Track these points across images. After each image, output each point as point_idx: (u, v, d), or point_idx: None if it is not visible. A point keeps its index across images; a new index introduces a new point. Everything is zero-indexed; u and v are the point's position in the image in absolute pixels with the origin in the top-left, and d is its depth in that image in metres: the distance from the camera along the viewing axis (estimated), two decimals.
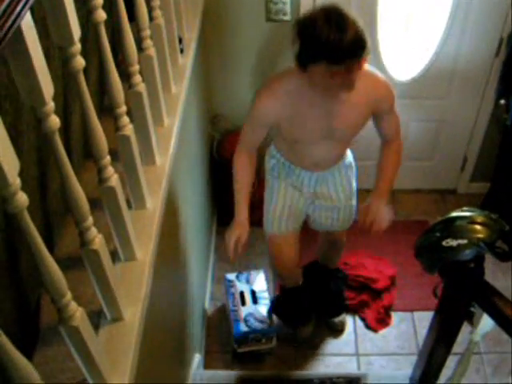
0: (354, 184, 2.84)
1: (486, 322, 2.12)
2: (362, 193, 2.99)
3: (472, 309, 2.26)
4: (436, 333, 2.52)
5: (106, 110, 1.79)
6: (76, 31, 1.24)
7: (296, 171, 2.68)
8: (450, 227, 2.10)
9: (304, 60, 2.03)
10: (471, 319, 2.29)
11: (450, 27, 3.47)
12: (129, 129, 1.68)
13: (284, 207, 2.82)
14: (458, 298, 2.25)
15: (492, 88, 3.72)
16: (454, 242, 2.05)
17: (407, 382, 2.95)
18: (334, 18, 1.91)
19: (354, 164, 2.80)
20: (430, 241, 2.17)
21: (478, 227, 2.05)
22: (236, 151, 2.60)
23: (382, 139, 2.62)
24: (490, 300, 2.03)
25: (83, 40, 2.00)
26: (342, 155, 2.66)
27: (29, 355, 1.57)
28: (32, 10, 1.05)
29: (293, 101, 2.28)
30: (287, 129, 2.39)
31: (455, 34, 3.49)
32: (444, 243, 2.08)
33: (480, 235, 2.04)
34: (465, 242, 2.04)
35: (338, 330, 3.49)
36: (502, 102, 3.65)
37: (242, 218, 2.66)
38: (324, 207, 2.84)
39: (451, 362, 2.64)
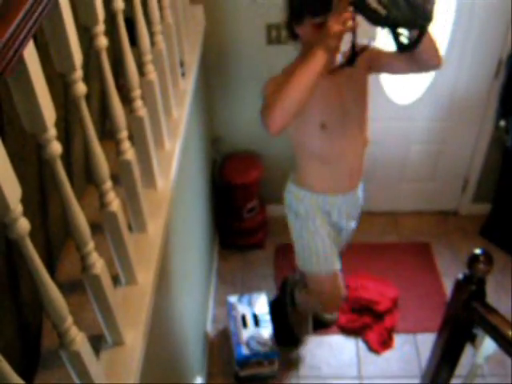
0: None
1: (488, 345, 2.11)
2: None
3: (474, 331, 2.26)
4: (439, 354, 2.51)
5: (108, 133, 1.81)
6: (78, 58, 1.26)
7: (329, 202, 2.66)
8: None
9: (293, 21, 2.15)
10: (474, 341, 2.28)
11: (449, 49, 3.50)
12: (130, 154, 1.69)
13: (329, 238, 2.76)
14: (460, 319, 2.25)
15: (492, 109, 3.73)
16: None
17: None
18: None
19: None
20: None
21: None
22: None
23: (397, 65, 2.34)
24: (491, 322, 2.02)
25: (85, 64, 2.03)
26: (366, 143, 2.58)
27: (29, 379, 1.57)
28: (35, 36, 1.06)
29: None
30: (311, 108, 2.27)
31: (455, 56, 3.51)
32: None
33: None
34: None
35: (327, 326, 3.49)
36: (502, 123, 3.67)
37: None
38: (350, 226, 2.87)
39: None
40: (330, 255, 2.80)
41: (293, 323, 3.48)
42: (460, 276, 2.17)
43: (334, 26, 1.86)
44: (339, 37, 1.90)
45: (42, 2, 1.04)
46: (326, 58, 1.92)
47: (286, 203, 2.78)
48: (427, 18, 1.82)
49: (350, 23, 1.86)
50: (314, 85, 1.96)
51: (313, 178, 2.62)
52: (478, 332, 2.19)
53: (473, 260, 2.08)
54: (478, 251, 2.07)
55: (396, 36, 1.91)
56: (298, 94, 1.95)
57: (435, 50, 2.15)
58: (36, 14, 1.02)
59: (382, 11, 1.77)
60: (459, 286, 2.19)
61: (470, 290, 2.14)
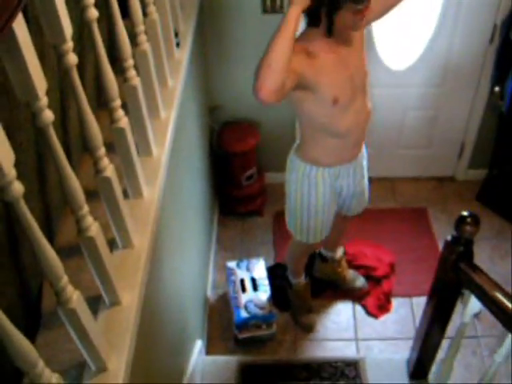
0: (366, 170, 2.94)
1: (474, 303, 2.18)
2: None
3: (463, 290, 2.32)
4: (430, 315, 2.58)
5: (104, 104, 1.86)
6: (68, 29, 1.30)
7: (336, 173, 2.72)
8: None
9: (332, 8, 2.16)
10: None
11: (443, 15, 3.52)
12: (124, 121, 1.74)
13: (324, 218, 2.87)
14: (449, 280, 2.31)
15: (487, 75, 3.76)
16: None
17: (404, 365, 3.02)
18: None
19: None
20: None
21: None
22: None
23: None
24: (476, 281, 2.09)
25: (79, 36, 2.08)
26: (370, 115, 2.64)
27: (31, 338, 1.64)
28: (25, 9, 1.11)
29: (313, 56, 2.28)
30: (323, 84, 2.33)
31: (449, 22, 3.53)
32: None
33: None
34: None
35: (306, 330, 3.55)
36: (497, 88, 3.70)
37: None
38: (351, 195, 2.92)
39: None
40: (323, 229, 2.93)
41: (294, 306, 3.59)
42: (448, 238, 2.23)
43: None
44: None
45: None
46: (299, 11, 1.98)
47: (288, 174, 2.81)
48: None
49: None
50: (293, 41, 2.01)
51: (320, 152, 2.64)
52: (466, 291, 2.25)
53: (460, 222, 2.13)
54: (465, 213, 2.12)
55: None
56: (280, 51, 1.98)
57: None
58: None
59: None
60: (448, 247, 2.25)
61: (458, 250, 2.19)
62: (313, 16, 2.25)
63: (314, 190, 2.72)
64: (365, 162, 2.88)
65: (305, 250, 3.18)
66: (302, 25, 2.19)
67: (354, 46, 2.40)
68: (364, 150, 2.83)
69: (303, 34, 2.33)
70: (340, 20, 2.20)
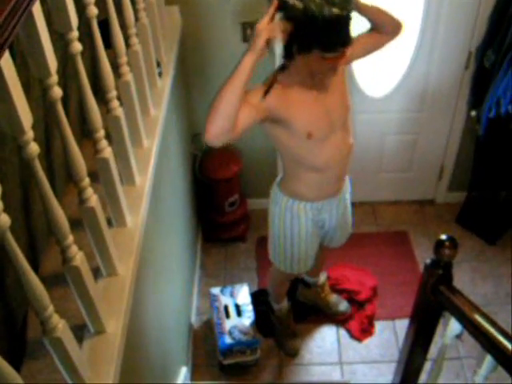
0: (349, 203, 2.97)
1: (454, 326, 2.21)
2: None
3: (444, 313, 2.35)
4: (412, 338, 2.60)
5: (89, 133, 1.90)
6: (52, 64, 1.34)
7: (318, 207, 2.72)
8: None
9: (301, 49, 2.14)
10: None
11: (420, 43, 3.60)
12: (107, 152, 1.77)
13: (307, 250, 2.89)
14: (430, 303, 2.34)
15: (463, 100, 3.84)
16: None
17: None
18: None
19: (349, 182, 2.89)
20: None
21: None
22: None
23: (372, 39, 2.50)
24: (456, 304, 2.12)
25: (64, 66, 2.12)
26: (352, 148, 2.63)
27: (16, 368, 1.65)
28: (11, 44, 1.15)
29: (287, 93, 2.31)
30: (297, 119, 2.34)
31: (425, 50, 3.61)
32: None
33: None
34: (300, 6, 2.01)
35: (291, 355, 3.56)
36: (473, 113, 3.77)
37: None
38: (333, 228, 2.94)
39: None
40: (307, 260, 2.95)
41: (277, 331, 3.60)
42: (427, 261, 2.26)
43: (261, 27, 1.98)
44: (265, 39, 1.99)
45: (16, 14, 1.12)
46: (254, 59, 2.00)
47: (272, 206, 2.81)
48: (345, 8, 2.02)
49: (276, 31, 2.03)
50: (245, 87, 2.04)
51: (302, 186, 2.64)
52: (446, 314, 2.28)
53: (439, 245, 2.16)
54: (443, 237, 2.16)
55: None
56: (229, 97, 2.02)
57: (391, 16, 2.41)
58: (11, 25, 1.11)
59: (300, 5, 2.00)
60: (427, 270, 2.27)
61: (438, 274, 2.22)
62: (286, 51, 2.23)
63: (297, 223, 2.74)
64: (348, 195, 2.89)
65: (285, 277, 3.20)
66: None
67: (333, 81, 2.40)
68: (348, 183, 2.85)
69: (279, 73, 2.35)
70: (310, 64, 2.20)
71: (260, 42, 1.98)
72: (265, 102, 2.22)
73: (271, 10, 2.03)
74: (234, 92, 2.01)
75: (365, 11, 2.35)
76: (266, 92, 2.24)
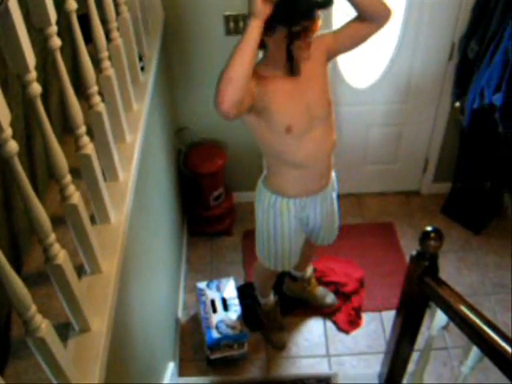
0: (336, 203, 2.96)
1: (440, 317, 2.21)
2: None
3: (430, 304, 2.36)
4: (398, 329, 2.61)
5: (70, 130, 1.87)
6: (31, 59, 1.32)
7: (301, 204, 2.71)
8: None
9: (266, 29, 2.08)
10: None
11: (403, 34, 3.59)
12: (89, 148, 1.75)
13: (291, 247, 2.88)
14: (416, 294, 2.35)
15: (447, 91, 3.84)
16: None
17: (376, 379, 3.05)
18: None
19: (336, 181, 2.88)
20: None
21: None
22: None
23: (358, 28, 2.41)
24: (441, 295, 2.12)
25: (44, 61, 2.09)
26: (334, 145, 2.60)
27: (0, 368, 1.64)
28: None
29: (267, 84, 2.29)
30: (276, 112, 2.33)
31: (409, 40, 3.61)
32: None
33: None
34: None
35: (278, 349, 3.56)
36: (457, 104, 3.79)
37: None
38: (319, 227, 2.93)
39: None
40: (291, 257, 2.96)
41: (265, 324, 3.60)
42: (413, 253, 2.27)
43: None
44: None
45: None
46: (258, 23, 1.96)
47: (256, 203, 2.81)
48: None
49: None
50: (255, 53, 2.01)
51: (284, 182, 2.63)
52: (432, 305, 2.29)
53: (424, 237, 2.17)
54: (428, 228, 2.16)
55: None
56: (241, 63, 1.97)
57: (380, 3, 2.31)
58: None
59: None
60: (413, 262, 2.28)
61: (423, 265, 2.23)
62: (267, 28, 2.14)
63: (280, 220, 2.73)
64: (334, 195, 2.87)
65: (271, 272, 3.19)
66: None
67: (313, 75, 2.38)
68: (334, 182, 2.84)
69: (258, 64, 2.31)
70: (274, 45, 2.19)
71: (258, 5, 1.93)
72: (252, 87, 2.19)
73: None
74: (245, 59, 1.97)
75: None
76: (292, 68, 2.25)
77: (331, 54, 2.46)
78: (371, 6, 2.29)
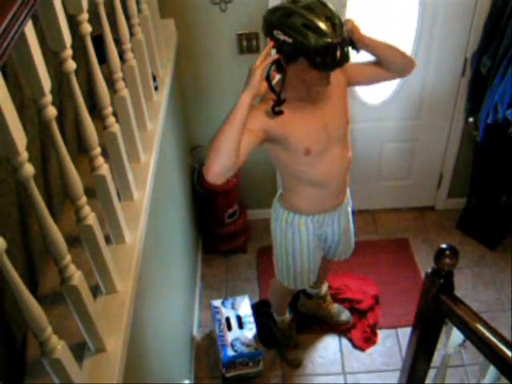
0: (352, 218, 2.96)
1: (456, 335, 2.20)
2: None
3: (447, 321, 2.34)
4: (414, 347, 2.59)
5: (85, 150, 1.89)
6: (46, 84, 1.34)
7: (319, 221, 2.72)
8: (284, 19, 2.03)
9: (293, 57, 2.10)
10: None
11: (415, 50, 3.59)
12: (104, 168, 1.77)
13: (309, 265, 2.88)
14: (432, 312, 2.33)
15: (461, 106, 3.84)
16: (281, 36, 2.04)
17: None
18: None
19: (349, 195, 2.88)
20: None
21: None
22: None
23: (379, 73, 2.48)
24: (457, 313, 2.11)
25: (59, 83, 2.12)
26: (350, 162, 2.61)
27: None
28: (4, 65, 1.14)
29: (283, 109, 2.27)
30: (293, 136, 2.32)
31: (422, 56, 3.60)
32: (274, 33, 2.06)
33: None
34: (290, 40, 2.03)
35: (293, 366, 3.53)
36: (471, 119, 3.78)
37: None
38: (336, 242, 2.93)
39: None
40: (310, 275, 2.95)
41: (280, 342, 3.59)
42: (428, 270, 2.26)
43: (255, 67, 2.00)
44: (260, 77, 1.99)
45: (8, 35, 1.12)
46: (251, 97, 2.00)
47: (273, 222, 2.79)
48: (335, 36, 2.00)
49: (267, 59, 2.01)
50: (242, 128, 2.02)
51: (301, 200, 2.63)
52: (448, 322, 2.27)
53: (439, 254, 2.16)
54: (443, 246, 2.15)
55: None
56: (228, 136, 1.99)
57: (402, 55, 2.36)
58: (3, 46, 1.10)
59: (289, 39, 2.00)
60: (428, 279, 2.27)
61: (439, 283, 2.22)
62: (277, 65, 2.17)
63: (298, 237, 2.72)
64: (349, 209, 2.87)
65: (287, 290, 3.17)
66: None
67: (333, 95, 2.38)
68: (349, 196, 2.84)
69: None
70: (300, 73, 2.17)
71: (255, 80, 1.98)
72: (261, 125, 2.21)
73: (266, 49, 2.04)
74: (234, 131, 1.99)
75: (372, 49, 2.32)
76: (275, 109, 2.19)
77: (351, 81, 2.48)
78: (394, 59, 2.36)
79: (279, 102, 2.16)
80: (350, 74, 2.43)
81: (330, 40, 1.98)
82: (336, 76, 2.30)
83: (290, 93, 2.25)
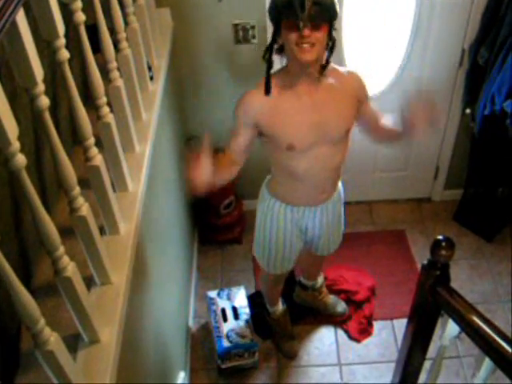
0: (341, 214, 2.96)
1: (452, 327, 2.19)
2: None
3: (442, 313, 2.34)
4: (410, 338, 2.59)
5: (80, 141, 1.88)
6: (39, 73, 1.32)
7: (299, 212, 2.74)
8: None
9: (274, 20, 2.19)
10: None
11: (413, 41, 3.58)
12: (98, 159, 1.75)
13: (285, 253, 2.90)
14: (428, 304, 2.32)
15: (458, 98, 3.82)
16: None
17: None
18: None
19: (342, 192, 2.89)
20: None
21: None
22: None
23: (374, 127, 2.64)
24: (453, 305, 2.10)
25: (53, 73, 2.10)
26: (340, 164, 2.61)
27: (10, 379, 1.63)
28: None
29: (274, 99, 2.32)
30: (278, 130, 2.37)
31: (419, 47, 3.59)
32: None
33: None
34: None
35: (289, 357, 3.54)
36: (468, 111, 3.77)
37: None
38: (317, 236, 2.93)
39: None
40: (285, 263, 2.96)
41: (275, 333, 3.59)
42: (424, 262, 2.25)
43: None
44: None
45: None
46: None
47: (258, 204, 2.86)
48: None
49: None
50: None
51: (284, 190, 2.68)
52: (444, 314, 2.27)
53: (435, 246, 2.15)
54: (439, 237, 2.15)
55: None
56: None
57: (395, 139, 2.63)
58: None
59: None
60: (424, 271, 2.26)
61: (435, 275, 2.21)
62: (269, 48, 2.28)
63: (276, 223, 2.76)
64: (338, 207, 2.87)
65: (273, 279, 3.19)
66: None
67: (334, 98, 2.37)
68: (341, 193, 2.84)
69: (276, 73, 2.35)
70: (286, 43, 2.18)
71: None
72: (253, 120, 2.35)
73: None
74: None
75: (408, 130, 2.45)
76: (267, 89, 2.31)
77: (357, 99, 2.48)
78: (386, 139, 2.73)
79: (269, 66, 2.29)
80: (361, 101, 2.49)
81: None
82: (346, 85, 2.39)
83: (291, 76, 2.31)
